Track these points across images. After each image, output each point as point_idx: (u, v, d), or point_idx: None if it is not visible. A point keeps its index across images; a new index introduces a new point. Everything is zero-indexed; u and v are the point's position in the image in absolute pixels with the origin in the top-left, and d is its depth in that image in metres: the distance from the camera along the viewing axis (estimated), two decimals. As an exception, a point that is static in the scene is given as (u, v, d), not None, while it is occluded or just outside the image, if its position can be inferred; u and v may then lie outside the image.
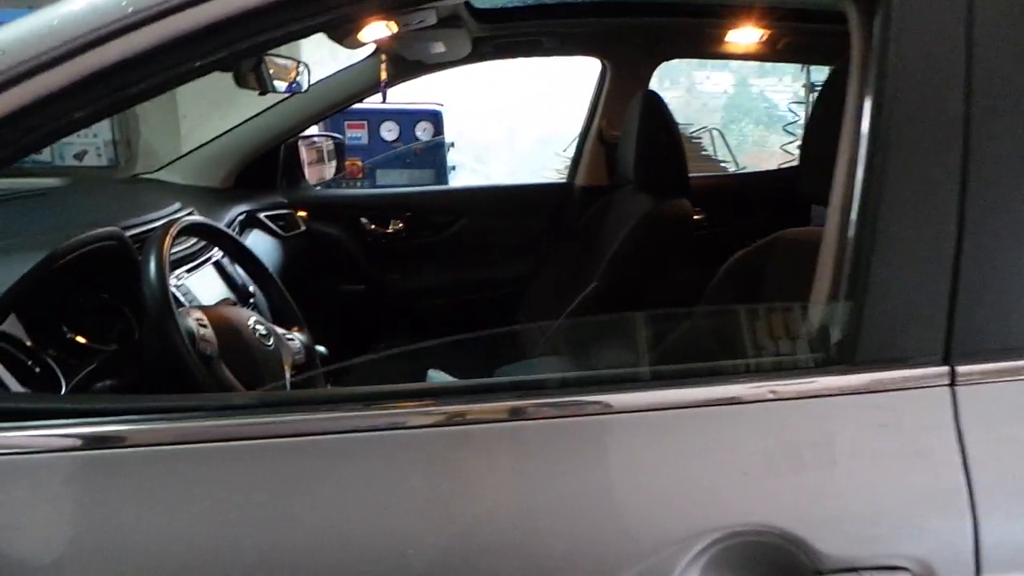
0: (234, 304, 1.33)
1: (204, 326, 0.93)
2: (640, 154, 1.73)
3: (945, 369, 0.65)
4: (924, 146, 0.67)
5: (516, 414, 0.64)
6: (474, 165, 4.14)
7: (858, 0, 0.75)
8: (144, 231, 1.30)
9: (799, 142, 4.60)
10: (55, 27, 0.62)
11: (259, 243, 1.93)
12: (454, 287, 2.28)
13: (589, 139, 2.23)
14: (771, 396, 0.65)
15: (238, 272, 1.53)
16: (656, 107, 1.75)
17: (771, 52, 2.13)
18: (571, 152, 4.47)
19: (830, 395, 0.64)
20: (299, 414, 0.64)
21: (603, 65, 2.20)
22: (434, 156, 3.40)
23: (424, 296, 2.27)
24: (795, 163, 4.57)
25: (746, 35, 2.01)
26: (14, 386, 0.85)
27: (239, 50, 0.66)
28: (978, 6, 0.67)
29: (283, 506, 0.61)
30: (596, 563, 0.60)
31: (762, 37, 2.00)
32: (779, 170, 2.65)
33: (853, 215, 0.69)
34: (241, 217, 1.90)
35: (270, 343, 1.05)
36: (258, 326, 1.05)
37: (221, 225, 1.19)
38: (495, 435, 0.64)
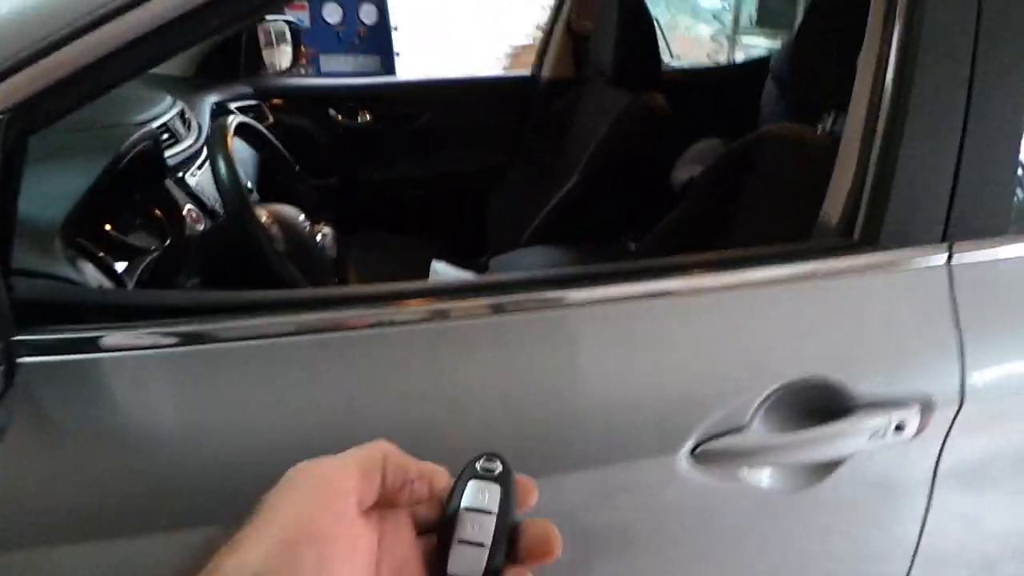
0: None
1: (272, 224, 0.98)
2: (619, 49, 1.79)
3: (944, 246, 0.81)
4: (941, 59, 0.80)
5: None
6: (420, 49, 4.03)
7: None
8: (156, 127, 1.29)
9: (728, 31, 4.70)
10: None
11: (232, 136, 1.90)
12: (425, 179, 2.32)
13: (556, 31, 2.25)
14: (816, 274, 0.79)
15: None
16: (634, 0, 1.79)
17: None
18: (515, 41, 4.43)
19: (861, 271, 0.79)
20: (358, 308, 0.69)
21: (572, -46, 2.19)
22: (379, 41, 3.29)
23: (396, 188, 2.30)
24: (725, 52, 4.71)
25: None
26: (107, 286, 0.89)
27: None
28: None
29: (337, 390, 0.68)
30: (686, 413, 0.74)
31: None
32: (724, 67, 2.76)
33: (880, 122, 0.82)
34: (214, 108, 1.86)
35: (318, 238, 1.11)
36: (305, 223, 1.10)
37: (260, 125, 1.20)
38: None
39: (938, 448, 0.82)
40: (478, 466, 0.42)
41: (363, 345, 0.69)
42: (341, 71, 3.23)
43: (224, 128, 0.97)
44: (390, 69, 3.35)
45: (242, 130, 1.12)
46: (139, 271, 1.03)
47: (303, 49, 3.26)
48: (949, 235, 0.82)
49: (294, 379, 0.68)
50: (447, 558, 0.39)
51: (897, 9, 0.81)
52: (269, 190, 1.33)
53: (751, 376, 0.75)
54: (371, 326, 0.70)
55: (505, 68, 4.13)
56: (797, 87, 1.26)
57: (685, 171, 2.35)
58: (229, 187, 0.90)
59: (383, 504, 0.39)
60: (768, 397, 0.76)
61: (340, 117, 2.23)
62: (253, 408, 0.67)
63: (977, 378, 0.80)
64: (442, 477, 0.41)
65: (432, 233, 2.23)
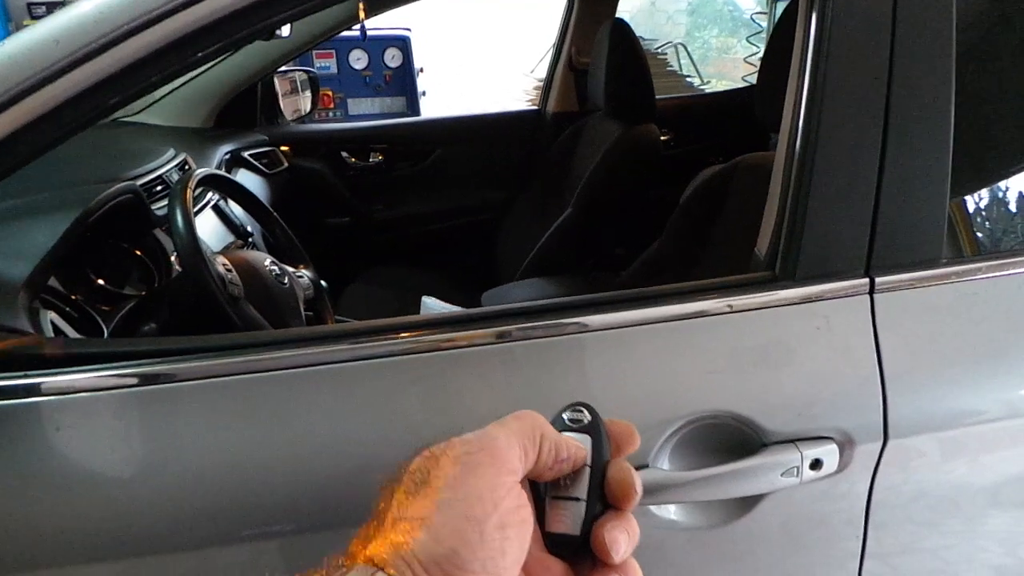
0: (241, 247, 1.43)
1: (230, 270, 1.03)
2: (609, 83, 1.82)
3: (866, 280, 0.80)
4: (855, 89, 0.79)
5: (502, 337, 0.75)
6: (444, 89, 4.14)
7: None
8: (150, 180, 1.38)
9: (762, 54, 4.65)
10: (102, 16, 0.70)
11: (246, 181, 1.99)
12: (435, 215, 2.38)
13: (559, 67, 2.30)
14: (728, 309, 0.79)
15: (234, 213, 1.62)
16: (624, 36, 1.82)
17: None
18: (538, 72, 4.50)
19: (776, 306, 0.79)
20: (318, 347, 0.73)
21: (571, -9, 2.24)
22: (405, 82, 3.41)
23: (407, 225, 2.37)
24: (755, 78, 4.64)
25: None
26: (71, 334, 0.96)
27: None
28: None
29: (308, 425, 0.72)
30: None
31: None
32: (739, 90, 2.74)
33: (796, 152, 0.81)
34: (227, 157, 1.96)
35: (285, 281, 1.16)
36: (273, 266, 1.16)
37: (228, 175, 1.28)
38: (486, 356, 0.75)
39: (867, 485, 0.80)
40: (565, 418, 0.41)
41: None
42: (368, 113, 3.36)
43: (185, 182, 1.04)
44: (416, 109, 3.46)
45: (211, 181, 1.19)
46: (116, 318, 1.11)
47: (331, 94, 3.43)
48: (872, 268, 0.80)
49: (276, 412, 0.72)
50: (543, 517, 0.39)
51: (809, 46, 0.81)
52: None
53: (655, 412, 0.75)
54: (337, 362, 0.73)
55: (532, 102, 4.19)
56: (762, 117, 1.25)
57: (693, 198, 2.34)
58: (183, 237, 0.97)
59: (529, 475, 0.39)
60: (674, 434, 0.75)
61: (352, 159, 2.32)
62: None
63: (901, 413, 0.78)
64: (583, 455, 0.40)
65: (443, 267, 2.28)
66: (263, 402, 0.73)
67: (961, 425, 0.80)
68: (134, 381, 0.72)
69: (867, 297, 0.80)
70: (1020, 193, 0.90)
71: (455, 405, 0.74)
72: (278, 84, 2.26)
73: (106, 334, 1.06)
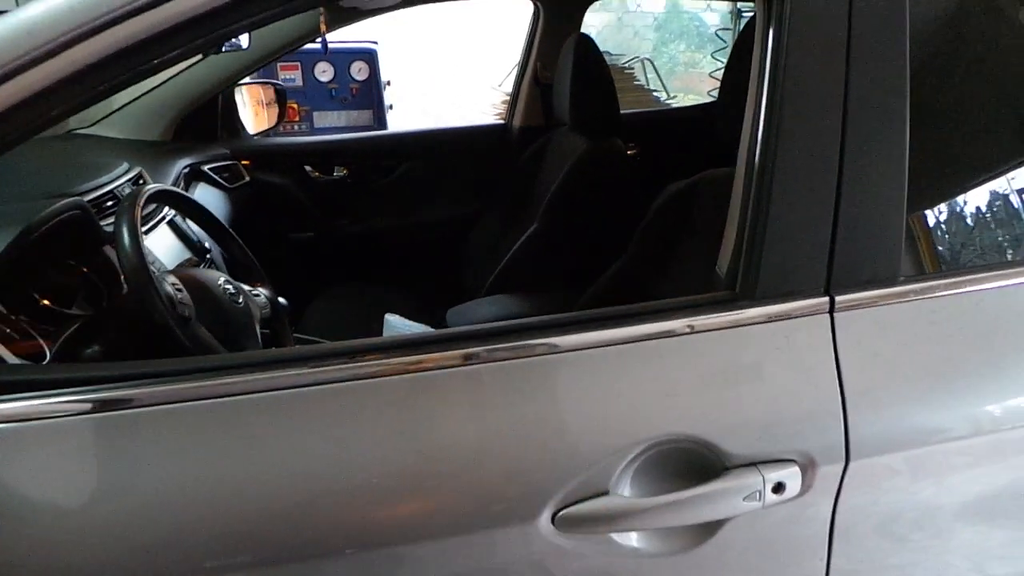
0: (196, 264, 1.38)
1: (180, 290, 1.00)
2: (574, 97, 1.81)
3: (826, 299, 0.79)
4: (811, 107, 0.79)
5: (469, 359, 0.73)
6: (411, 103, 4.12)
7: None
8: (100, 195, 1.33)
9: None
10: (37, 26, 0.67)
11: (205, 196, 1.95)
12: (401, 230, 2.35)
13: (524, 81, 2.29)
14: (689, 329, 0.78)
15: (191, 230, 1.57)
16: (588, 51, 1.82)
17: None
18: (506, 86, 4.50)
19: (736, 326, 0.78)
20: (277, 371, 0.71)
21: (536, 7, 2.24)
22: (371, 96, 3.38)
23: (372, 240, 2.34)
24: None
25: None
26: (9, 358, 0.92)
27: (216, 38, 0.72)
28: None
29: (271, 451, 0.69)
30: (543, 478, 0.73)
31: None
32: (705, 105, 2.77)
33: (755, 170, 0.81)
34: (186, 171, 1.92)
35: (240, 301, 1.12)
36: (227, 285, 1.12)
37: (182, 191, 1.24)
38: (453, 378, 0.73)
39: (830, 507, 0.79)
40: None
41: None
42: (334, 126, 3.32)
43: (133, 197, 1.00)
44: (383, 122, 3.43)
45: (163, 197, 1.15)
46: (60, 340, 1.06)
47: (297, 107, 3.39)
48: (832, 286, 0.80)
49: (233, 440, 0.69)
50: None
51: (766, 64, 0.81)
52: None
53: (617, 437, 0.73)
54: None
55: (501, 116, 4.18)
56: (724, 132, 1.25)
57: (660, 213, 2.35)
58: (128, 255, 0.93)
59: None
60: (635, 459, 0.74)
61: (316, 173, 2.28)
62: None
63: (862, 433, 0.77)
64: None
65: (408, 283, 2.25)
66: (214, 430, 0.70)
67: (924, 444, 0.79)
68: (85, 408, 0.69)
69: (827, 316, 0.79)
70: (978, 208, 0.91)
71: (422, 430, 0.72)
72: (241, 96, 2.22)
73: (48, 357, 1.01)
